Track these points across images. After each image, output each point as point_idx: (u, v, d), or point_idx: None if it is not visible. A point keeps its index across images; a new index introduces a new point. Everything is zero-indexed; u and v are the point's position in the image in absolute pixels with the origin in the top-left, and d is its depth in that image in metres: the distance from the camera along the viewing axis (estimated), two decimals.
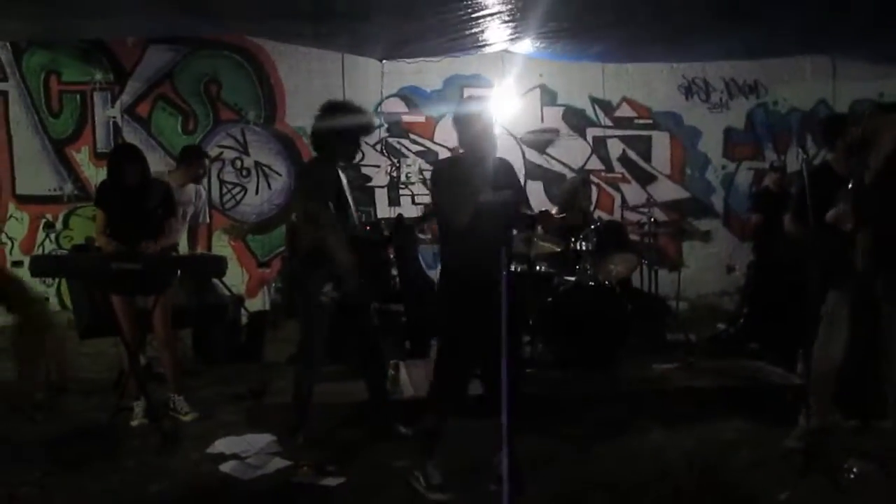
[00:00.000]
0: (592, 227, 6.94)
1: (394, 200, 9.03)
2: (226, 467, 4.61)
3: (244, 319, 7.68)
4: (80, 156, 8.92)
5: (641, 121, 9.40)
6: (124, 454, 4.85)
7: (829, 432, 4.68)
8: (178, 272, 5.36)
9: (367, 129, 5.11)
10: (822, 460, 4.44)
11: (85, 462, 4.67)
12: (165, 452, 4.86)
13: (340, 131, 4.85)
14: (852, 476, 4.34)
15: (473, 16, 6.03)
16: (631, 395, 5.85)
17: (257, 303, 8.95)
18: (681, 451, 4.90)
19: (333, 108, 4.93)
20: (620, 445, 5.03)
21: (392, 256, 7.82)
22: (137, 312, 5.30)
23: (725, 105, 9.45)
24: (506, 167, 4.48)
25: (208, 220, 6.95)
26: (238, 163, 9.10)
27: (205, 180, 8.06)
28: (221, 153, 9.01)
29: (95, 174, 8.76)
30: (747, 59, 9.01)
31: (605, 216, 8.68)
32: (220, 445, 4.92)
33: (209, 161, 6.72)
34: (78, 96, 8.91)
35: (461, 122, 4.41)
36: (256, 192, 9.13)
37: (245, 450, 4.83)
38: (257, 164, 9.09)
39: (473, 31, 6.62)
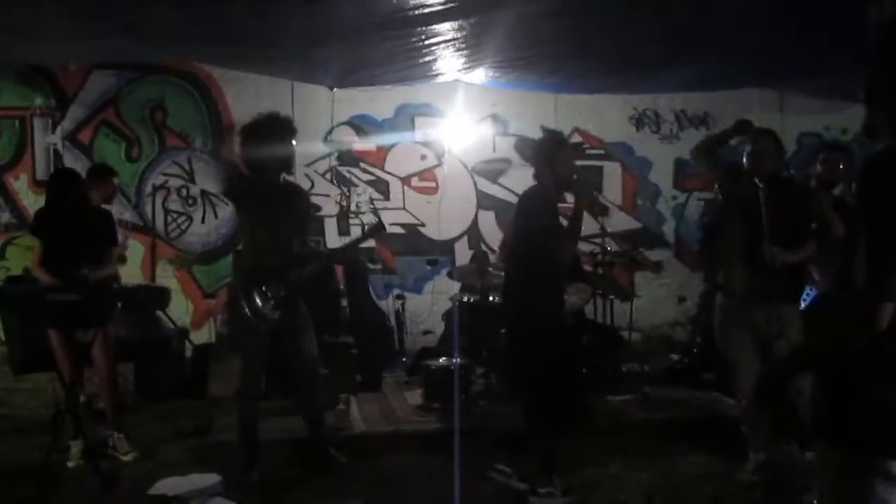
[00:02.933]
0: None
1: (344, 230, 8.86)
2: None
3: (189, 353, 7.44)
4: (19, 183, 8.60)
5: (593, 151, 9.40)
6: (60, 498, 4.60)
7: (790, 465, 4.64)
8: (119, 304, 5.14)
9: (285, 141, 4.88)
10: (785, 494, 4.40)
11: None
12: (104, 495, 4.62)
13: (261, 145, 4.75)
14: None
15: (427, 43, 5.96)
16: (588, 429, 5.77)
17: (203, 335, 8.69)
18: (639, 484, 4.82)
19: (255, 124, 4.81)
20: (576, 480, 4.92)
21: (342, 287, 7.71)
22: (76, 346, 5.05)
23: (676, 136, 9.51)
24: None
25: (120, 241, 6.68)
26: (184, 191, 8.85)
27: (149, 207, 7.91)
28: (166, 181, 8.77)
29: (34, 202, 8.43)
30: (698, 91, 9.07)
31: None
32: (163, 487, 4.67)
33: (117, 180, 6.47)
34: (17, 122, 8.61)
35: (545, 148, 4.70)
36: (203, 221, 8.88)
37: (189, 491, 4.60)
38: (204, 192, 8.85)
39: (426, 59, 6.55)
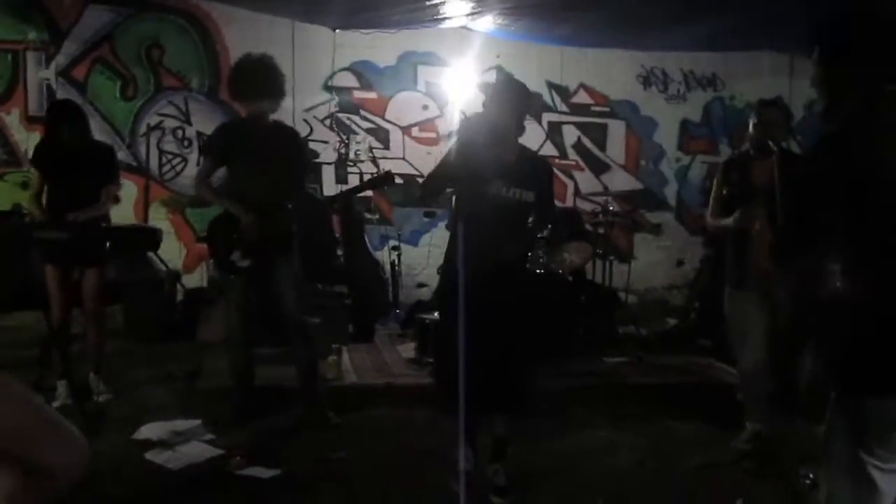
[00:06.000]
0: None
1: (341, 178, 8.70)
2: (152, 455, 4.31)
3: (180, 296, 7.33)
4: (10, 118, 8.37)
5: (598, 108, 9.23)
6: None
7: (783, 435, 4.58)
8: (108, 244, 5.00)
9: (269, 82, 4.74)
10: (777, 465, 4.33)
11: None
12: (87, 437, 4.53)
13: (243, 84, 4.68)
14: (808, 482, 4.22)
15: None
16: (580, 390, 5.71)
17: (196, 279, 8.56)
18: (631, 449, 4.75)
19: (238, 63, 4.77)
20: (568, 442, 4.86)
21: (337, 235, 7.58)
22: (70, 285, 4.93)
23: (683, 97, 9.32)
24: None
25: None
26: (179, 132, 8.66)
27: (143, 147, 7.74)
28: (161, 122, 8.58)
29: (26, 138, 8.22)
30: (707, 51, 8.88)
31: (559, 204, 8.48)
32: (147, 431, 4.61)
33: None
34: (9, 56, 8.37)
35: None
36: (198, 164, 8.66)
37: (173, 436, 4.54)
38: (199, 134, 8.65)
39: (433, 2, 6.36)
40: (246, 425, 4.74)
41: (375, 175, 5.47)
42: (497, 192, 3.91)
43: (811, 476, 4.22)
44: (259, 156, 4.62)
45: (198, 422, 4.77)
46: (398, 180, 6.35)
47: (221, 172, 4.96)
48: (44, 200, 5.01)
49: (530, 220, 4.12)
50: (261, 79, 4.64)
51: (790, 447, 4.54)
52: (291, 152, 4.84)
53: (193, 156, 8.67)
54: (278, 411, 4.98)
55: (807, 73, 8.13)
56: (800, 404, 4.64)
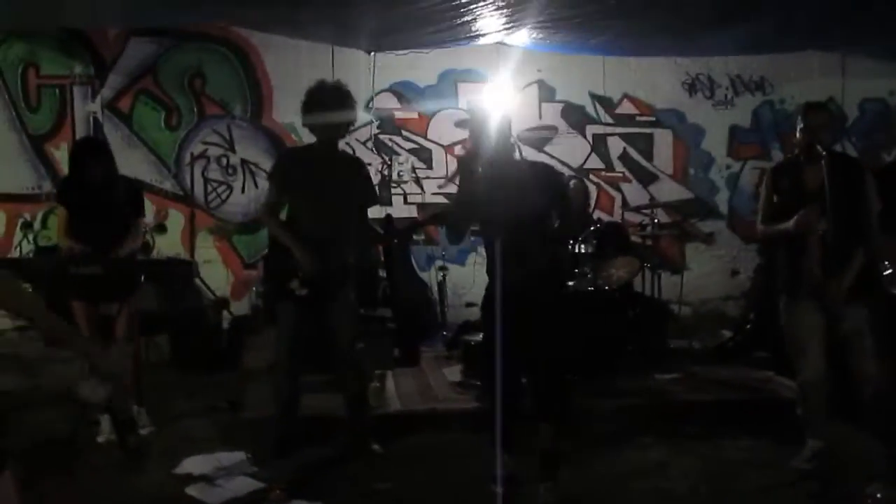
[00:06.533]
0: (592, 228, 6.63)
1: (385, 200, 8.66)
2: (192, 490, 4.26)
3: (227, 324, 7.33)
4: (59, 153, 8.52)
5: (643, 118, 9.05)
6: (85, 472, 4.51)
7: (847, 454, 4.37)
8: (142, 277, 4.99)
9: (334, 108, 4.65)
10: (842, 486, 4.12)
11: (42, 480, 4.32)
12: (129, 472, 4.52)
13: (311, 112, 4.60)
14: (872, 501, 4.00)
15: (465, 2, 5.68)
16: (631, 409, 5.54)
17: (244, 306, 8.59)
18: (684, 471, 4.57)
19: (311, 94, 4.62)
20: (618, 463, 4.70)
21: (381, 258, 7.53)
22: (101, 320, 4.93)
23: (730, 102, 9.08)
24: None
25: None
26: (224, 160, 8.72)
27: (188, 176, 7.80)
28: (206, 150, 8.65)
29: None
30: (753, 54, 8.65)
31: (605, 217, 8.32)
32: (189, 465, 4.57)
33: None
34: (57, 90, 8.54)
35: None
36: (243, 191, 8.74)
37: (215, 470, 4.49)
38: (243, 161, 8.71)
39: (465, 19, 6.27)
40: (290, 457, 4.67)
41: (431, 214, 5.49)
42: (508, 209, 4.03)
43: (879, 496, 4.02)
44: (324, 186, 4.54)
45: (241, 454, 4.72)
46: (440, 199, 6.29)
47: None
48: None
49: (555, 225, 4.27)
50: (334, 106, 4.57)
51: (855, 465, 4.34)
52: (357, 185, 4.76)
53: (238, 183, 8.73)
54: (323, 442, 4.91)
55: (859, 73, 7.96)
56: (865, 419, 4.41)
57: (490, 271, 4.13)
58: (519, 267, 3.98)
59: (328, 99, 4.56)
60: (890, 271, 4.46)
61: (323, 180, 4.56)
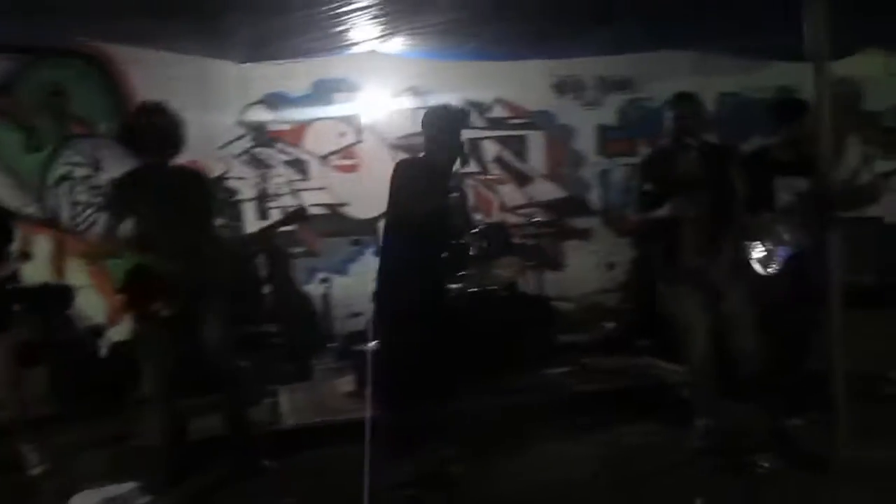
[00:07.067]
0: (474, 230, 6.71)
1: (263, 214, 8.50)
2: None
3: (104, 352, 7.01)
4: None
5: (516, 120, 9.23)
6: None
7: (739, 429, 4.58)
8: (16, 307, 4.74)
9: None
10: (733, 458, 4.33)
11: None
12: None
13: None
14: (762, 471, 4.22)
15: (339, 12, 5.66)
16: (526, 405, 5.63)
17: (123, 331, 8.23)
18: (583, 461, 4.69)
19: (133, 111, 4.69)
20: (518, 458, 4.77)
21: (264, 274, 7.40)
22: None
23: (598, 102, 9.39)
24: None
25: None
26: (90, 181, 8.35)
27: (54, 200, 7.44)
28: (71, 171, 8.26)
29: None
30: (617, 55, 8.95)
31: (486, 219, 8.44)
32: (78, 502, 4.36)
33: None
34: None
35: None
36: None
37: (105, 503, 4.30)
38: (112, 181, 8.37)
39: (339, 29, 6.24)
40: (184, 483, 4.53)
41: (288, 213, 5.33)
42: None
43: (766, 465, 4.24)
44: (162, 204, 4.44)
45: (132, 485, 4.53)
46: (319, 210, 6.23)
47: None
48: None
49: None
50: (155, 130, 4.48)
51: (744, 439, 4.54)
52: (196, 196, 4.67)
53: None
54: (217, 464, 4.78)
55: (714, 70, 8.26)
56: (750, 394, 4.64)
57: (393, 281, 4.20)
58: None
59: (148, 124, 4.53)
60: (762, 252, 4.69)
61: (160, 199, 4.48)
